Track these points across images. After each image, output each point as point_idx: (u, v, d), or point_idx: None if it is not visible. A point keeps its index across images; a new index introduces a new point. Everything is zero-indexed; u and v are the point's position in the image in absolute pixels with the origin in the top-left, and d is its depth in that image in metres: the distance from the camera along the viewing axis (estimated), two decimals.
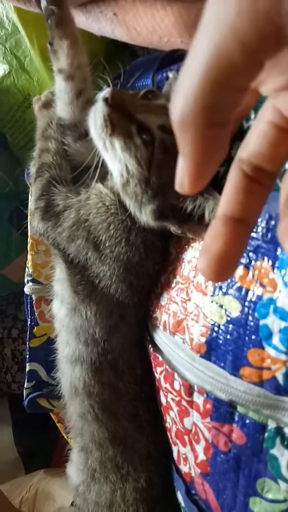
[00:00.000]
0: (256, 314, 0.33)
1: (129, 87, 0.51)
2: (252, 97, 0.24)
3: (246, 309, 0.34)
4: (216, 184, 0.35)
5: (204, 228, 0.38)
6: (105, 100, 0.39)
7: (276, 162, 0.23)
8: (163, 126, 0.39)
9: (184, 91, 0.19)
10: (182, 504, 0.47)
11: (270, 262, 0.33)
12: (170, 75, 0.48)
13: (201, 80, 0.18)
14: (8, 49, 0.80)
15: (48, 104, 0.57)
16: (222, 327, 0.36)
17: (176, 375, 0.40)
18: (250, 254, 0.34)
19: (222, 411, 0.36)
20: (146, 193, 0.41)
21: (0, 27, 0.78)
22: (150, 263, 0.45)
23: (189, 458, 0.42)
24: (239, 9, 0.16)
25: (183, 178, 0.22)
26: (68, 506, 0.76)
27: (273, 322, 0.32)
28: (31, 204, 0.53)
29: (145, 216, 0.42)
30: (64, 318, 0.50)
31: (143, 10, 0.51)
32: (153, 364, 0.46)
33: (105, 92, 0.40)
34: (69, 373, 0.51)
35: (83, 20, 0.59)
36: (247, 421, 0.34)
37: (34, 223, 0.51)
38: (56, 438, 1.03)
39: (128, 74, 0.52)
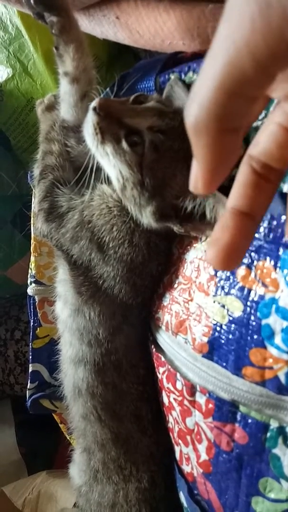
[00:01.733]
0: (258, 314, 0.33)
1: (132, 89, 0.52)
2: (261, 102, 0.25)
3: (248, 309, 0.34)
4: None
5: (207, 226, 0.38)
6: (94, 109, 0.40)
7: (283, 161, 0.24)
8: (152, 127, 0.40)
9: (199, 99, 0.20)
10: (185, 504, 0.47)
11: (272, 262, 0.33)
12: (172, 77, 0.49)
13: (215, 89, 0.19)
14: (12, 53, 0.81)
15: (51, 107, 0.58)
16: (224, 327, 0.36)
17: (178, 375, 0.41)
18: (252, 254, 0.34)
19: (224, 410, 0.36)
20: (143, 195, 0.41)
21: (3, 31, 0.79)
22: (154, 264, 0.46)
23: (192, 458, 0.42)
24: (253, 26, 0.17)
25: (197, 180, 0.23)
26: (70, 507, 0.76)
27: (275, 321, 0.32)
28: (35, 206, 0.53)
29: (146, 218, 0.42)
30: (67, 319, 0.51)
31: (146, 14, 0.52)
32: (155, 364, 0.47)
33: (94, 101, 0.41)
34: (72, 374, 0.51)
35: (85, 23, 0.60)
36: (250, 420, 0.35)
37: (38, 225, 0.51)
38: (58, 439, 1.04)
39: (131, 76, 0.52)
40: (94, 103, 0.40)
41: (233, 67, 0.18)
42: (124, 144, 0.40)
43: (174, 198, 0.40)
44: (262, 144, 0.24)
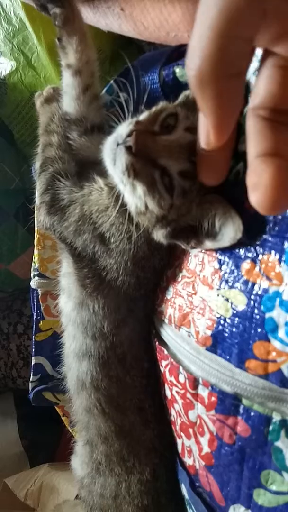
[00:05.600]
0: (262, 307, 0.33)
1: (136, 82, 0.51)
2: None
3: (252, 302, 0.34)
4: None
5: (208, 238, 0.38)
6: (128, 147, 0.37)
7: None
8: (183, 172, 0.38)
9: (199, 51, 0.21)
10: (186, 496, 0.47)
11: (277, 256, 0.33)
12: (177, 70, 0.48)
13: (214, 36, 0.21)
14: (16, 46, 0.81)
15: (50, 100, 0.58)
16: (228, 320, 0.36)
17: (181, 368, 0.41)
18: (257, 248, 0.34)
19: (227, 403, 0.36)
20: (160, 222, 0.40)
21: (7, 24, 0.78)
22: (156, 259, 0.46)
23: (194, 450, 0.43)
24: None
25: (208, 134, 0.24)
26: (72, 499, 0.77)
27: (279, 315, 0.32)
28: (37, 199, 0.53)
29: (156, 236, 0.42)
30: (71, 313, 0.51)
31: (151, 5, 0.51)
32: (158, 358, 0.47)
33: (128, 138, 0.37)
34: (76, 367, 0.51)
35: (90, 15, 0.59)
36: (252, 413, 0.35)
37: (40, 217, 0.51)
38: (60, 432, 1.04)
39: (135, 69, 0.52)
40: (129, 141, 0.37)
41: (228, 9, 0.20)
42: (162, 188, 0.38)
43: (189, 222, 0.39)
44: (262, 90, 0.25)
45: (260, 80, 0.25)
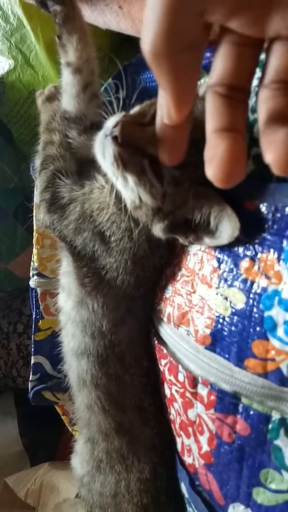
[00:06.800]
0: (261, 306, 0.33)
1: (134, 80, 0.51)
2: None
3: (251, 301, 0.34)
4: None
5: (207, 235, 0.38)
6: (114, 138, 0.37)
7: (244, 76, 0.26)
8: None
9: (150, 26, 0.22)
10: (186, 495, 0.47)
11: (276, 254, 0.33)
12: None
13: (164, 12, 0.21)
14: (13, 44, 0.80)
15: (51, 98, 0.58)
16: (227, 319, 0.36)
17: (180, 367, 0.41)
18: (256, 246, 0.34)
19: (226, 402, 0.36)
20: (157, 215, 0.40)
21: (5, 22, 0.78)
22: (156, 257, 0.46)
23: (193, 449, 0.43)
24: None
25: (169, 109, 0.24)
26: (73, 498, 0.77)
27: (277, 313, 0.32)
28: (37, 197, 0.53)
29: (155, 231, 0.42)
30: (71, 311, 0.51)
31: None
32: (157, 357, 0.47)
33: (114, 128, 0.37)
34: (76, 365, 0.51)
35: (88, 13, 0.59)
36: (251, 412, 0.35)
37: (40, 216, 0.51)
38: (60, 431, 1.04)
39: (134, 67, 0.52)
40: (115, 131, 0.37)
41: None
42: (152, 177, 0.38)
43: (185, 214, 0.39)
44: (219, 67, 0.26)
45: (217, 58, 0.26)
